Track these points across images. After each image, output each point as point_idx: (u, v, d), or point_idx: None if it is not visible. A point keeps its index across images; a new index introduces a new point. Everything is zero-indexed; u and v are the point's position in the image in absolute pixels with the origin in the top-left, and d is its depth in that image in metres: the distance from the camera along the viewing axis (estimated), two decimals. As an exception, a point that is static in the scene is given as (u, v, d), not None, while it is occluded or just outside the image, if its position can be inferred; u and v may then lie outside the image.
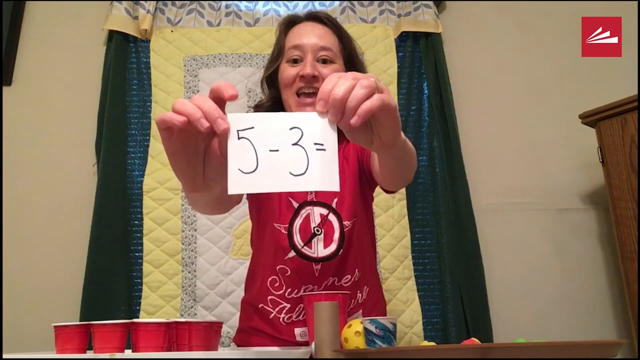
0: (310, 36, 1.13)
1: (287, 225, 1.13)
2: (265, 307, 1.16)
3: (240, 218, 1.79)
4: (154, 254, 1.76)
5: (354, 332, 0.92)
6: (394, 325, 0.92)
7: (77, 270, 1.70)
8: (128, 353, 0.81)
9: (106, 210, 1.75)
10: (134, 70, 1.93)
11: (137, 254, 1.77)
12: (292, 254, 1.12)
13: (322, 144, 0.65)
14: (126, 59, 1.93)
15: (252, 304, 1.19)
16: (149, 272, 1.74)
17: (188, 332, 0.82)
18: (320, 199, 1.15)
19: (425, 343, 0.86)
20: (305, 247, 1.12)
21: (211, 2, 2.02)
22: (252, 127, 0.64)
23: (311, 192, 1.16)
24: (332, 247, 1.12)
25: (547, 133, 2.00)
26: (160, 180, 1.81)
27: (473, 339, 0.88)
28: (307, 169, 0.64)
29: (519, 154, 1.99)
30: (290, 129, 0.65)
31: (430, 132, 1.95)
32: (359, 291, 1.16)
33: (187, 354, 0.81)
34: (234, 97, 0.65)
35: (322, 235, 1.12)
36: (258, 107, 1.25)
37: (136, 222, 1.79)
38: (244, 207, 1.78)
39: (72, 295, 1.69)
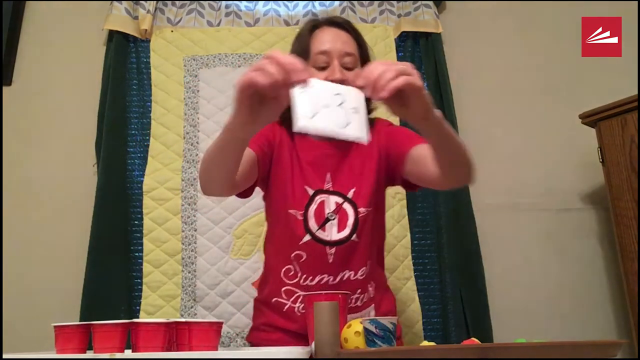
0: (335, 42, 1.21)
1: (302, 212, 1.19)
2: (279, 299, 1.20)
3: (240, 218, 1.79)
4: (154, 254, 1.75)
5: (354, 332, 0.92)
6: (394, 325, 0.92)
7: (77, 270, 1.70)
8: (128, 353, 0.81)
9: (106, 210, 1.75)
10: (134, 70, 1.93)
11: (137, 254, 1.77)
12: (307, 237, 1.18)
13: (357, 109, 0.88)
14: (126, 59, 1.93)
15: (266, 301, 1.23)
16: (149, 272, 1.74)
17: (188, 332, 0.82)
18: (337, 188, 1.21)
19: (425, 343, 0.86)
20: (319, 230, 1.18)
21: (211, 2, 2.02)
22: (312, 86, 0.84)
23: (328, 182, 1.22)
24: (346, 231, 1.19)
25: (547, 133, 2.00)
26: (160, 180, 1.81)
27: (473, 339, 0.88)
28: (346, 124, 0.86)
29: (519, 154, 1.99)
30: (335, 94, 0.88)
31: (430, 132, 1.95)
32: (369, 285, 1.21)
33: (187, 354, 0.81)
34: (303, 82, 0.82)
35: (335, 220, 1.19)
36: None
37: (136, 222, 1.79)
38: (243, 208, 1.78)
39: (72, 295, 1.69)
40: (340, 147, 1.23)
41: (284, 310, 1.18)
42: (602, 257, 1.91)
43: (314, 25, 1.25)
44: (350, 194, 1.21)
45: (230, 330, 1.69)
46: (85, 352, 0.83)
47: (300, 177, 1.21)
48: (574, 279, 1.88)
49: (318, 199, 1.20)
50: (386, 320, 0.91)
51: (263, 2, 2.04)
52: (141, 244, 1.77)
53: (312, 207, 1.19)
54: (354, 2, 2.06)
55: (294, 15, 2.04)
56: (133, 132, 1.88)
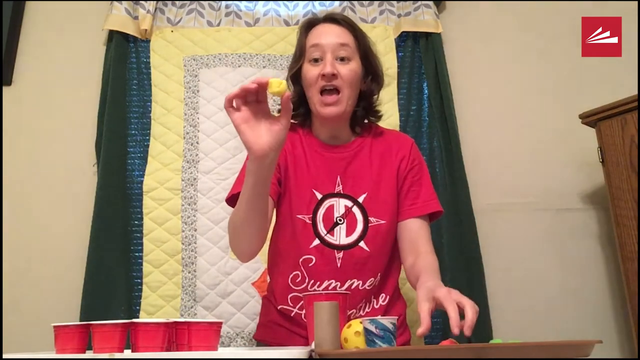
0: (328, 36, 1.18)
1: (311, 216, 1.18)
2: (285, 307, 1.19)
3: (240, 218, 1.79)
4: (154, 254, 1.75)
5: (354, 332, 0.92)
6: (394, 325, 0.92)
7: (77, 270, 1.70)
8: (128, 353, 0.81)
9: (106, 210, 1.75)
10: (134, 70, 1.93)
11: (137, 254, 1.77)
12: (316, 242, 1.17)
13: None
14: (126, 59, 1.93)
15: (274, 304, 1.23)
16: (149, 272, 1.74)
17: (188, 332, 0.82)
18: (347, 192, 1.19)
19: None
20: (327, 234, 1.17)
21: (211, 2, 2.02)
22: None
23: (338, 184, 1.20)
24: (353, 236, 1.17)
25: (547, 133, 2.00)
26: (160, 180, 1.81)
27: (451, 339, 0.89)
28: None
29: (519, 154, 1.99)
30: None
31: (430, 132, 1.95)
32: (380, 297, 1.21)
33: (187, 354, 0.81)
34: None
35: (344, 224, 1.18)
36: None
37: (136, 222, 1.79)
38: (244, 207, 1.78)
39: (72, 295, 1.69)
40: (354, 148, 1.22)
41: (291, 316, 1.18)
42: (602, 257, 1.91)
43: (310, 22, 1.24)
44: (361, 199, 1.19)
45: (230, 330, 1.69)
46: (85, 352, 0.83)
47: (309, 180, 1.19)
48: (573, 279, 1.88)
49: (327, 203, 1.18)
50: (386, 320, 0.91)
51: (263, 2, 2.04)
52: (141, 244, 1.77)
53: (321, 211, 1.18)
54: (354, 2, 2.06)
55: (294, 15, 2.04)
56: (133, 132, 1.88)
